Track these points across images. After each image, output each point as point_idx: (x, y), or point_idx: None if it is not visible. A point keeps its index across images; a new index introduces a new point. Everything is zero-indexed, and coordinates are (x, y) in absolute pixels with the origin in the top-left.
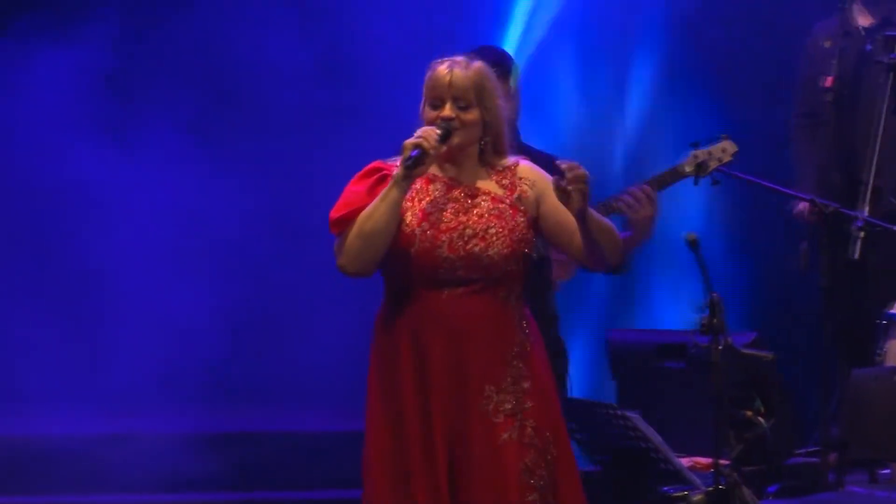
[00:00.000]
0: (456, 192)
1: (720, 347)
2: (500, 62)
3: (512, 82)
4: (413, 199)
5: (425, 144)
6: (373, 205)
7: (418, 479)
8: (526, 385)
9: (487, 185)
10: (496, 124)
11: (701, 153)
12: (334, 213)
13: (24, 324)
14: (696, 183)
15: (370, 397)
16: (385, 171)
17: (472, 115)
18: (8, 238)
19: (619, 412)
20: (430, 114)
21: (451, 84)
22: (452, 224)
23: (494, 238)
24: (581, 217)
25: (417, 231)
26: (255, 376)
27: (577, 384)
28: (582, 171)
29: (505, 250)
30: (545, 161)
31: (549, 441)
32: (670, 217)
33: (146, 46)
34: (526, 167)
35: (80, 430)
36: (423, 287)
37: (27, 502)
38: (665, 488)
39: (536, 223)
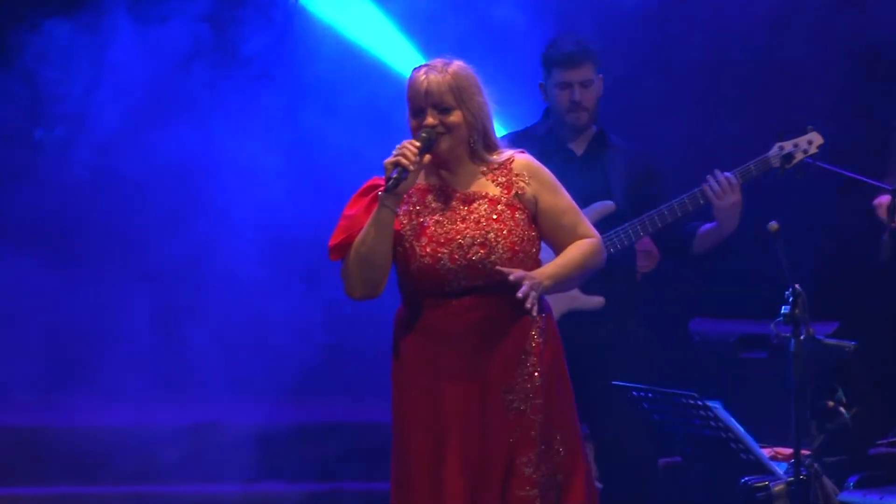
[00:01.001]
0: (452, 200)
1: (802, 337)
2: (587, 50)
3: (596, 69)
4: (410, 213)
5: (404, 161)
6: (365, 229)
7: (440, 479)
8: (536, 382)
9: (483, 186)
10: (480, 121)
11: (787, 144)
12: (332, 241)
13: (118, 314)
14: (780, 173)
15: (392, 394)
16: (380, 190)
17: (455, 117)
18: (102, 228)
19: (700, 402)
20: (412, 122)
21: (427, 92)
22: (451, 235)
23: (495, 243)
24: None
25: (417, 247)
26: (346, 367)
27: (658, 374)
28: (522, 276)
29: (507, 254)
30: (634, 154)
31: (555, 439)
32: (755, 206)
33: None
34: (522, 161)
35: (172, 420)
36: (431, 297)
37: (120, 492)
38: (746, 478)
39: (536, 219)
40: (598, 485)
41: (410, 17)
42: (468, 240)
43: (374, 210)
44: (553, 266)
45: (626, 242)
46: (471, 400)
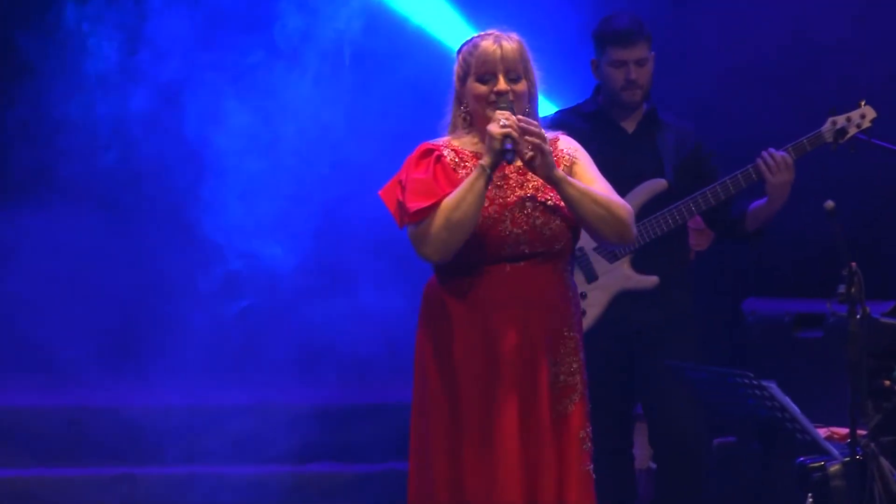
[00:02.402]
0: (506, 169)
1: (858, 316)
2: (641, 28)
3: (650, 46)
4: (467, 177)
5: (515, 133)
6: (458, 195)
7: (480, 450)
8: (579, 356)
9: None
10: (536, 94)
11: (839, 119)
12: (414, 204)
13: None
14: (833, 148)
15: (426, 370)
16: (438, 152)
17: (522, 86)
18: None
19: (755, 382)
20: (479, 88)
21: (502, 58)
22: (511, 199)
23: (552, 211)
24: (543, 176)
25: None
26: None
27: (713, 353)
28: (534, 126)
29: (565, 222)
30: (685, 132)
31: (589, 420)
32: (812, 184)
33: None
34: (567, 140)
35: (227, 400)
36: (486, 263)
37: (172, 472)
38: (801, 458)
39: None
40: (652, 465)
41: None
42: (529, 205)
43: (471, 178)
44: (576, 181)
45: (679, 220)
46: (524, 368)
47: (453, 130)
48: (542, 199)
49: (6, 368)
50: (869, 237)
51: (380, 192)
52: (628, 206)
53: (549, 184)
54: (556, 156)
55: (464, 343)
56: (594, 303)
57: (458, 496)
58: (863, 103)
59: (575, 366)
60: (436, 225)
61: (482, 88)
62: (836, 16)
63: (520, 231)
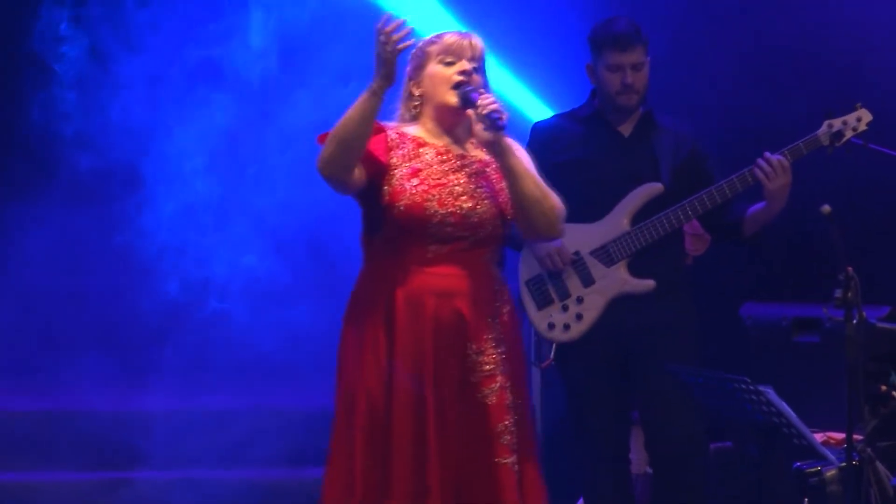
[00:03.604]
0: (445, 156)
1: (855, 321)
2: (638, 32)
3: (646, 51)
4: (404, 157)
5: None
6: (348, 112)
7: (406, 443)
8: (503, 348)
9: (475, 150)
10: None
11: (836, 122)
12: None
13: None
14: (829, 151)
15: (351, 364)
16: (380, 126)
17: (479, 79)
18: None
19: (752, 387)
20: (445, 70)
21: (471, 45)
22: (443, 181)
23: (482, 198)
24: (494, 150)
25: (407, 185)
26: None
27: (710, 358)
28: (491, 98)
29: (493, 210)
30: (682, 135)
31: (520, 408)
32: (808, 188)
33: None
34: (510, 138)
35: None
36: (410, 244)
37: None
38: (798, 464)
39: None
40: (649, 470)
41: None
42: (458, 189)
43: (363, 96)
44: (521, 158)
45: (675, 224)
46: (443, 354)
47: (399, 123)
48: (474, 186)
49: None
50: (866, 241)
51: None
52: (561, 204)
53: (495, 151)
54: None
55: (380, 327)
56: (591, 307)
57: (371, 489)
58: (859, 106)
59: (498, 356)
60: (330, 141)
61: (445, 69)
62: (837, 16)
63: (445, 212)
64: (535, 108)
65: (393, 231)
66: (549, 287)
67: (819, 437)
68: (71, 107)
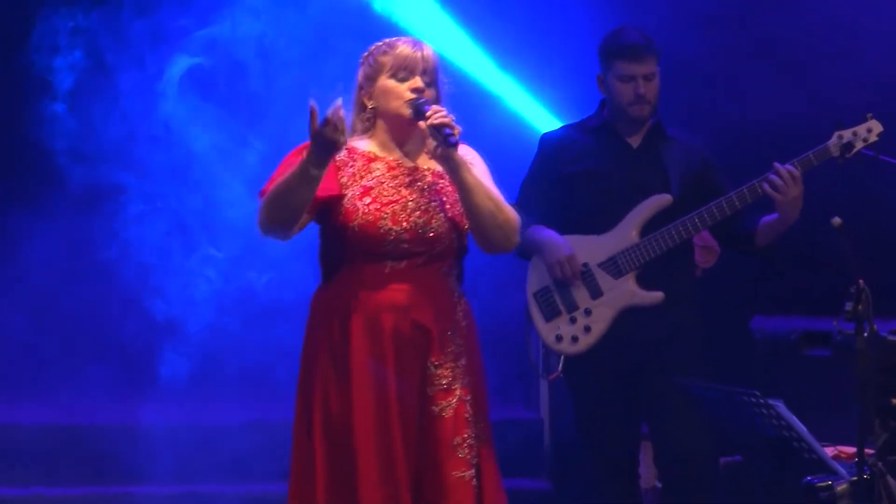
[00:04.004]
0: (397, 170)
1: (866, 334)
2: (650, 43)
3: (657, 61)
4: (354, 175)
5: (452, 123)
6: (290, 174)
7: (363, 467)
8: (462, 362)
9: (428, 162)
10: (441, 104)
11: (846, 133)
12: (266, 187)
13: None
14: (840, 162)
15: (308, 376)
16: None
17: (432, 92)
18: None
19: (762, 400)
20: (395, 85)
21: (424, 58)
22: (395, 198)
23: (436, 212)
24: (447, 166)
25: (360, 205)
26: None
27: (719, 371)
28: (442, 113)
29: (448, 223)
30: (692, 146)
31: (480, 421)
32: (819, 200)
33: None
34: (465, 147)
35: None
36: (366, 262)
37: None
38: (808, 478)
39: None
40: (658, 485)
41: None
42: (412, 204)
43: (304, 160)
44: (475, 171)
45: (685, 236)
46: (399, 368)
47: (350, 135)
48: (427, 200)
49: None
50: (877, 254)
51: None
52: (517, 215)
53: (448, 166)
54: None
55: (340, 341)
56: (599, 319)
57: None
58: (870, 117)
59: (456, 369)
60: (267, 203)
61: (398, 85)
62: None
63: (400, 229)
64: (544, 119)
65: (349, 250)
66: (556, 298)
67: (830, 451)
68: (66, 119)
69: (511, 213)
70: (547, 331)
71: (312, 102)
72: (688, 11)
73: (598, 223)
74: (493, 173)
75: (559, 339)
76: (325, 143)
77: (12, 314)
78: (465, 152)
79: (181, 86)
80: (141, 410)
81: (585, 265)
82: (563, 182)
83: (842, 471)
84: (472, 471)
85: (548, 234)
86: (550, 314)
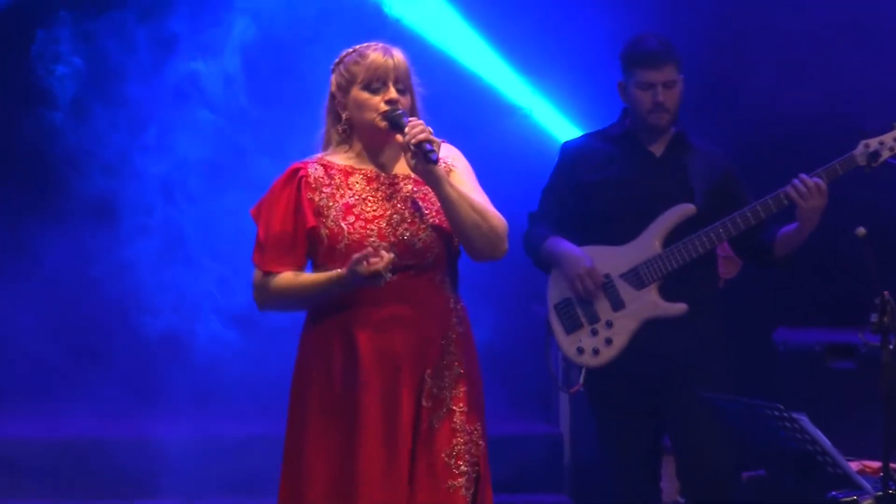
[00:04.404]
0: (377, 182)
1: (891, 346)
2: (669, 50)
3: (678, 68)
4: (334, 194)
5: (432, 136)
6: (305, 286)
7: (364, 476)
8: (458, 370)
9: (406, 170)
10: (417, 109)
11: (872, 142)
12: (267, 260)
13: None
14: (866, 171)
15: (301, 393)
16: (302, 172)
17: (407, 100)
18: None
19: (785, 414)
20: (368, 97)
21: (394, 67)
22: (378, 212)
23: (422, 221)
24: (427, 180)
25: (344, 225)
26: None
27: (742, 384)
28: (420, 126)
29: (433, 233)
30: (715, 156)
31: (477, 431)
32: (842, 210)
33: None
34: (448, 148)
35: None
36: None
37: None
38: (833, 493)
39: None
40: (680, 499)
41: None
42: (396, 217)
43: (324, 281)
44: (454, 185)
45: (707, 246)
46: (390, 384)
47: (327, 146)
48: (411, 211)
49: (4, 399)
50: None
51: (251, 211)
52: (503, 220)
53: (427, 180)
54: None
55: (334, 359)
56: (621, 331)
57: None
58: None
59: (451, 379)
60: (274, 295)
61: (371, 97)
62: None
63: (387, 244)
64: (564, 128)
65: (338, 265)
66: (577, 311)
67: (854, 465)
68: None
69: (496, 221)
70: (568, 343)
71: (368, 252)
72: (707, 13)
73: (620, 233)
74: (512, 183)
75: (580, 351)
76: (363, 282)
77: (20, 325)
78: (446, 153)
79: (183, 94)
80: (149, 424)
81: (607, 276)
82: (584, 191)
83: (867, 486)
84: (464, 479)
85: (566, 247)
86: (571, 326)
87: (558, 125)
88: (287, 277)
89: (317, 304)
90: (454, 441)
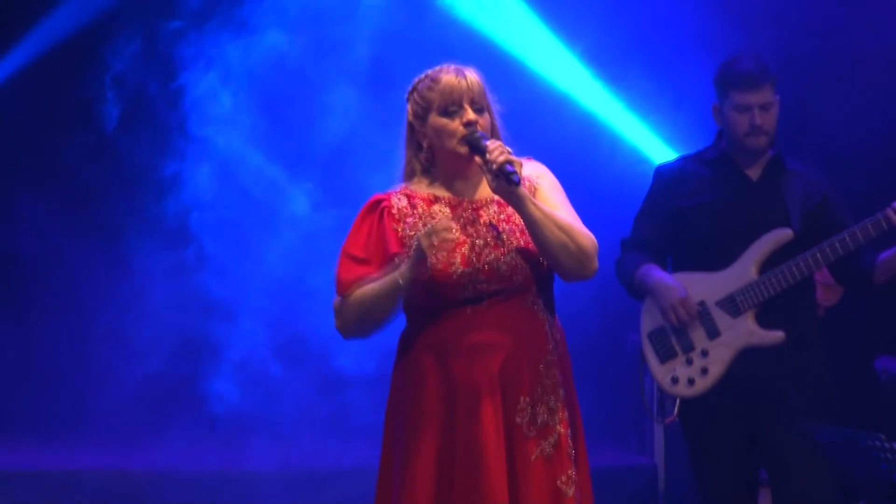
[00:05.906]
0: (459, 208)
1: None
2: (766, 71)
3: (775, 89)
4: (416, 225)
5: (513, 157)
6: (372, 297)
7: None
8: (560, 394)
9: (489, 192)
10: (497, 127)
11: None
12: (337, 282)
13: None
14: None
15: (395, 423)
16: (385, 203)
17: (486, 119)
18: None
19: (887, 444)
20: (446, 122)
21: (468, 88)
22: (461, 239)
23: (507, 243)
24: (510, 201)
25: (428, 256)
26: None
27: (842, 414)
28: (500, 148)
29: (519, 255)
30: (813, 179)
31: (579, 454)
32: None
33: None
34: (532, 165)
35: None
36: (446, 307)
37: None
38: None
39: None
40: None
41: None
42: (480, 242)
43: (386, 285)
44: (539, 202)
45: (805, 272)
46: (493, 411)
47: (410, 177)
48: (495, 234)
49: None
50: None
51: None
52: (592, 237)
53: (510, 202)
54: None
55: (431, 391)
56: (717, 360)
57: None
58: None
59: (554, 404)
60: (350, 314)
61: (449, 122)
62: None
63: (472, 270)
64: (659, 150)
65: (426, 299)
66: (672, 339)
67: None
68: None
69: (584, 240)
70: (662, 373)
71: (424, 233)
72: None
73: (715, 259)
74: (607, 206)
75: (675, 381)
76: (424, 267)
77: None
78: (531, 171)
79: (231, 115)
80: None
81: (702, 304)
82: (678, 216)
83: None
84: None
85: (659, 276)
86: (665, 356)
87: (652, 147)
88: (360, 288)
89: (409, 331)
90: (567, 470)
